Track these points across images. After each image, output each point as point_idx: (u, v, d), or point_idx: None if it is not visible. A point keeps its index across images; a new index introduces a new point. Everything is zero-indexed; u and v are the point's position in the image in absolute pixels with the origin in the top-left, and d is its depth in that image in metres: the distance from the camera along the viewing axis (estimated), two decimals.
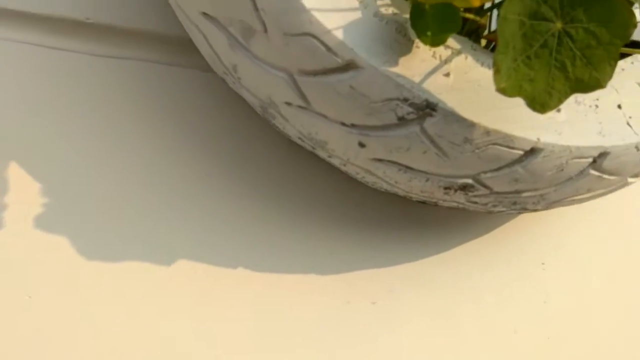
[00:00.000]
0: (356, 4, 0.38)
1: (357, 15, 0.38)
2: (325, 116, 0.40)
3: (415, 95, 0.38)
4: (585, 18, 0.35)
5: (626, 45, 0.48)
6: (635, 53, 0.46)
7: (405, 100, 0.38)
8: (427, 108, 0.38)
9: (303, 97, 0.39)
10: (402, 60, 0.38)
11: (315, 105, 0.39)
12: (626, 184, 0.49)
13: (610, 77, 0.36)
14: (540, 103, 0.36)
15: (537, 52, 0.35)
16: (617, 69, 0.46)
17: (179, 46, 0.49)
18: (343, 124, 0.40)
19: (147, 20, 0.48)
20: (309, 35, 0.37)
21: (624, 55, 0.47)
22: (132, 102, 0.48)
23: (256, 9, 0.37)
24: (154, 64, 0.49)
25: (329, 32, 0.37)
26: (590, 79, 0.36)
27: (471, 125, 0.39)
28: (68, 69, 0.48)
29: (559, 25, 0.35)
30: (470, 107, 0.39)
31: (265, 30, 0.37)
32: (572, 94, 0.36)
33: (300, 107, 0.40)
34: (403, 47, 0.39)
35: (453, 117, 0.38)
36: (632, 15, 0.35)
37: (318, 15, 0.36)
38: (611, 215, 0.60)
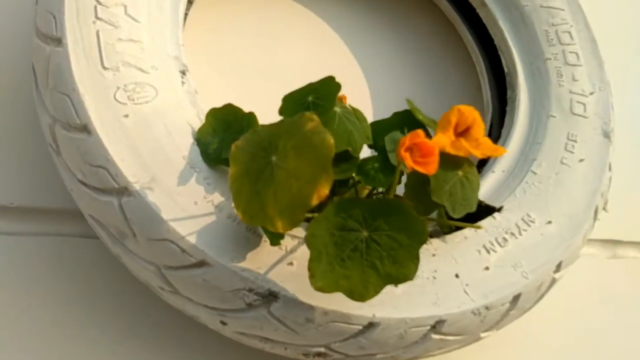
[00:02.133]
0: (212, 209, 0.46)
1: (212, 218, 0.46)
2: (191, 299, 0.47)
3: (259, 286, 0.45)
4: (386, 227, 0.42)
5: (481, 209, 0.56)
6: (472, 227, 0.53)
7: (251, 290, 0.45)
8: (270, 295, 0.45)
9: (171, 285, 0.46)
10: (251, 255, 0.46)
11: (182, 291, 0.47)
12: (479, 338, 0.54)
13: (415, 271, 0.42)
14: (359, 294, 0.43)
15: (349, 254, 0.42)
16: (460, 238, 0.54)
17: None
18: (206, 306, 0.47)
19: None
20: (168, 240, 0.44)
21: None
22: (52, 276, 0.55)
23: (125, 219, 0.45)
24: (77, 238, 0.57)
25: (183, 237, 0.44)
26: (399, 274, 0.43)
27: (310, 307, 0.45)
28: None
29: (365, 233, 0.42)
30: (310, 291, 0.45)
31: (134, 235, 0.45)
32: (386, 285, 0.43)
33: (170, 291, 0.47)
34: (252, 243, 0.46)
35: (294, 302, 0.45)
36: (424, 224, 0.43)
37: (174, 225, 0.44)
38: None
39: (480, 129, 0.48)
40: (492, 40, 0.72)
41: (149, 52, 0.51)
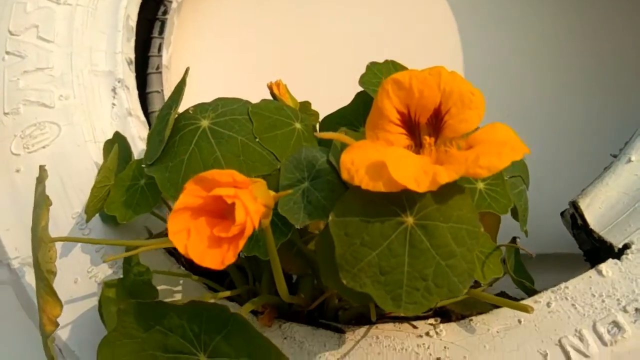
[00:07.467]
0: (94, 288, 0.33)
1: (90, 304, 0.33)
2: None
3: None
4: (231, 351, 0.22)
5: (595, 247, 0.28)
6: (516, 308, 0.25)
7: None
8: None
9: None
10: None
11: None
12: None
13: None
14: None
15: None
16: (509, 321, 0.28)
17: None
18: None
19: None
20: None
21: None
22: None
23: (19, 304, 0.36)
24: None
25: None
26: None
27: None
28: None
29: (202, 358, 0.23)
30: None
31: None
32: None
33: None
34: None
35: None
36: (276, 350, 0.20)
37: None
38: None
39: (465, 107, 0.22)
40: None
41: (61, 78, 0.40)
